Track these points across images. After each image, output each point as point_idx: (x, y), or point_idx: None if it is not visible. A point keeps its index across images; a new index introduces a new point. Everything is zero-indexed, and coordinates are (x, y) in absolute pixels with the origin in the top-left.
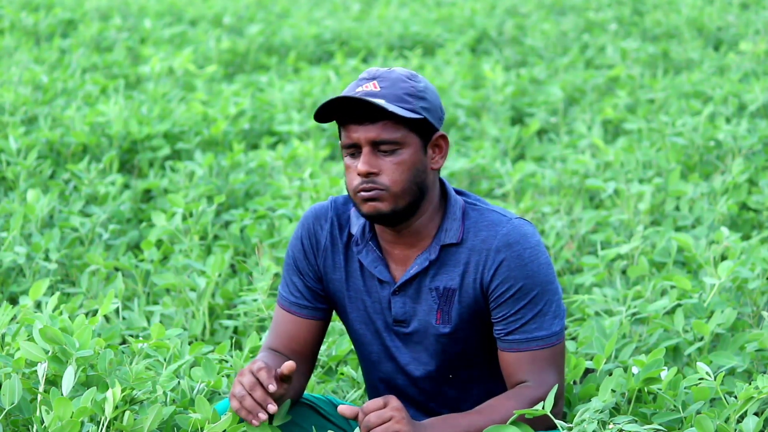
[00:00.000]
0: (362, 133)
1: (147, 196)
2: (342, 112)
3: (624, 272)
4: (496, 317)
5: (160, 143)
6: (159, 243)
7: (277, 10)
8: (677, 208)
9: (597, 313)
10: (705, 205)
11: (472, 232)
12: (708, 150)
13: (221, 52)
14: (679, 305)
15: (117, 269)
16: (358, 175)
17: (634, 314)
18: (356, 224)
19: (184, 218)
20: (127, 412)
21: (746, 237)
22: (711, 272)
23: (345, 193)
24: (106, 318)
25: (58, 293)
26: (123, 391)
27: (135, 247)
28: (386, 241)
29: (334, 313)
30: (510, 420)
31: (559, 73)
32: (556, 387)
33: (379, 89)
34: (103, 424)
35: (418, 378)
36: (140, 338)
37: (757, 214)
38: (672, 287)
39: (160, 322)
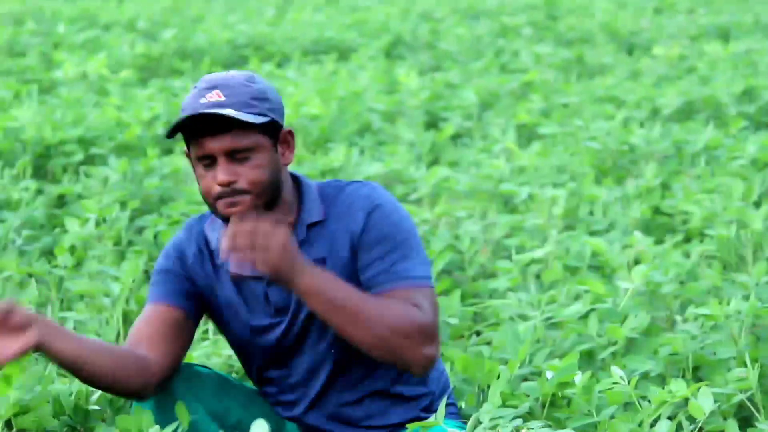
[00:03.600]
0: (216, 144)
1: (61, 201)
2: (191, 126)
3: (538, 277)
4: (366, 264)
5: (73, 148)
6: (72, 249)
7: (191, 14)
8: (591, 213)
9: (511, 318)
10: (618, 209)
11: (334, 206)
12: (621, 154)
13: (135, 56)
14: (593, 309)
15: (30, 275)
16: (219, 185)
17: (548, 319)
18: (214, 238)
19: (98, 224)
20: None
21: (659, 241)
22: (625, 276)
23: None
24: None
25: None
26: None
27: (48, 253)
28: None
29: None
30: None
31: (474, 78)
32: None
33: (224, 98)
34: None
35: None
36: None
37: (671, 218)
38: (586, 291)
39: (74, 328)
